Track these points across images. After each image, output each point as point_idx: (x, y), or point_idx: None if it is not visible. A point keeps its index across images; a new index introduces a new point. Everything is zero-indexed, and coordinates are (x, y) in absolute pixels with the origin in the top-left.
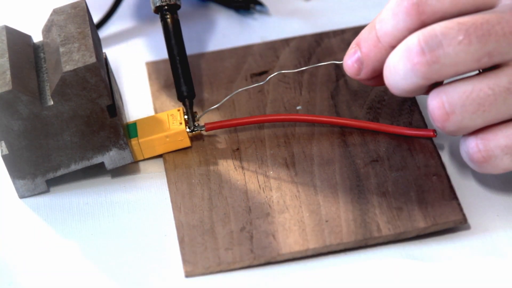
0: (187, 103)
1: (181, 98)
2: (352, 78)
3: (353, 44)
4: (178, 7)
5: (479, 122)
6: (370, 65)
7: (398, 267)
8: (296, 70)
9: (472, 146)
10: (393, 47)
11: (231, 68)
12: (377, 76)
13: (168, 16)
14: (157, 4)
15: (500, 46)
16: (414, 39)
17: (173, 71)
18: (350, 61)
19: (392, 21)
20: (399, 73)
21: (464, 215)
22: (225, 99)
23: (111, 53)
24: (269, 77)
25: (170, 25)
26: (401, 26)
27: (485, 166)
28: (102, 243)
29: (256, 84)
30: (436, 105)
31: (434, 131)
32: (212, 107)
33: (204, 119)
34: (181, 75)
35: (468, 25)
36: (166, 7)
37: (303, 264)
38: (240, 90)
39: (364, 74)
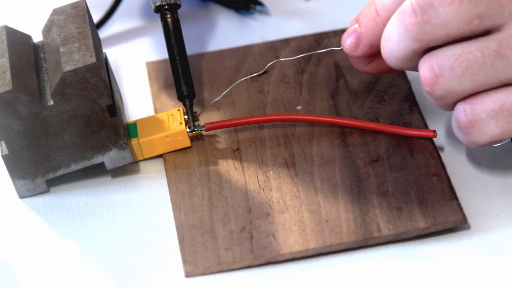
0: (187, 103)
1: (181, 98)
2: (349, 54)
3: (353, 21)
4: (178, 6)
5: (467, 86)
6: (368, 39)
7: (398, 267)
8: (296, 57)
9: (459, 111)
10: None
11: (231, 68)
12: (373, 55)
13: (168, 16)
14: (157, 4)
15: (490, 9)
16: (407, 2)
17: (173, 71)
18: (348, 37)
19: None
20: (393, 39)
21: (464, 215)
22: (227, 90)
23: (111, 53)
24: (268, 65)
25: (170, 25)
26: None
27: (472, 132)
28: (102, 243)
29: (256, 74)
30: (426, 68)
31: (434, 131)
32: (213, 101)
33: (204, 119)
34: (181, 75)
35: None
36: (166, 7)
37: (303, 264)
38: (242, 79)
39: (361, 50)
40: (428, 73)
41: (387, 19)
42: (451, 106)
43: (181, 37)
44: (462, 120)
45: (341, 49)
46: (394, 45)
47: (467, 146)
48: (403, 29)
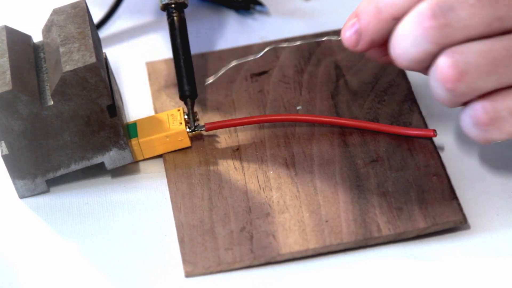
0: (189, 103)
1: (183, 97)
2: (350, 49)
3: (351, 16)
4: (185, 6)
5: (491, 84)
6: (369, 36)
7: (398, 267)
8: (300, 43)
9: (478, 108)
10: (395, 18)
11: (231, 68)
12: (376, 47)
13: (175, 15)
14: (165, 2)
15: (511, 11)
16: (425, 4)
17: (177, 70)
18: (348, 33)
19: None
20: (409, 40)
21: (464, 215)
22: (223, 70)
23: (111, 53)
24: (264, 51)
25: (177, 24)
26: None
27: (490, 129)
28: (102, 243)
29: (253, 58)
30: (449, 64)
31: (434, 131)
32: (213, 78)
33: (204, 119)
34: (185, 75)
35: None
36: (173, 5)
37: (303, 264)
38: (237, 62)
39: (362, 45)
40: (452, 69)
41: (392, 17)
42: (460, 103)
43: (187, 36)
44: (482, 117)
45: (340, 44)
46: (409, 47)
47: (479, 143)
48: (421, 32)
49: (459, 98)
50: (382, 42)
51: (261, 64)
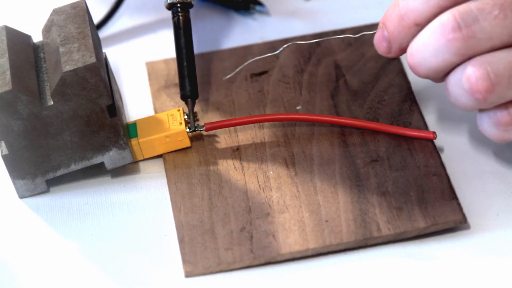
0: (190, 103)
1: (184, 97)
2: (384, 56)
3: (380, 23)
4: (191, 5)
5: None
6: (397, 43)
7: (398, 267)
8: (313, 41)
9: (502, 110)
10: (417, 24)
11: (231, 68)
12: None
13: (180, 14)
14: (170, 1)
15: None
16: (448, 16)
17: (179, 70)
18: (379, 41)
19: None
20: (430, 50)
21: (464, 215)
22: (240, 67)
23: (111, 53)
24: (283, 47)
25: (182, 24)
26: (433, 3)
27: (510, 129)
28: (102, 243)
29: (270, 54)
30: (480, 76)
31: (434, 133)
32: (229, 75)
33: (204, 119)
34: (187, 75)
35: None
36: (179, 5)
37: (303, 264)
38: (255, 58)
39: (394, 52)
40: (484, 81)
41: (414, 23)
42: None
43: (191, 37)
44: (504, 118)
45: (340, 44)
46: (429, 56)
47: (495, 141)
48: (443, 43)
49: (487, 106)
50: None
51: (261, 64)
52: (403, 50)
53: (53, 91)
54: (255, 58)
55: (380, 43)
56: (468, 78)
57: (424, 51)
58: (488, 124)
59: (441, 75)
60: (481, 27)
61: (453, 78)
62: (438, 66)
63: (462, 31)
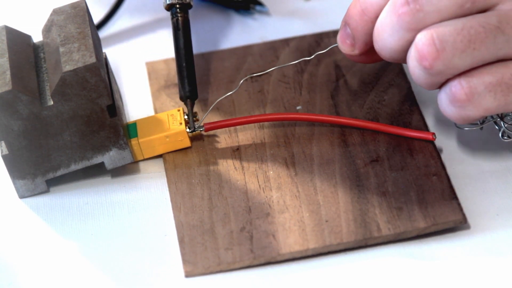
0: (189, 104)
1: (183, 98)
2: (347, 55)
3: (342, 22)
4: (190, 6)
5: (468, 62)
6: (361, 38)
7: (398, 267)
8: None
9: (454, 84)
10: (378, 17)
11: (231, 68)
12: (371, 50)
13: (179, 15)
14: (169, 2)
15: None
16: None
17: (178, 70)
18: (342, 38)
19: None
20: (387, 30)
21: (464, 215)
22: (268, 69)
23: (111, 53)
24: (316, 53)
25: (181, 25)
26: None
27: (467, 106)
28: (102, 243)
29: (305, 58)
30: (425, 42)
31: (433, 134)
32: (229, 93)
33: (204, 119)
34: (186, 76)
35: None
36: (178, 6)
37: (303, 264)
38: (287, 64)
39: (358, 48)
40: (429, 47)
41: (375, 16)
42: (438, 84)
43: (190, 37)
44: (458, 94)
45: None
46: (388, 37)
47: (456, 122)
48: (396, 19)
49: (436, 77)
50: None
51: (261, 64)
52: (367, 45)
53: (53, 91)
54: (287, 64)
55: (344, 41)
56: (416, 46)
57: (383, 33)
58: (446, 103)
59: (404, 56)
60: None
61: (409, 52)
62: (397, 45)
63: (410, 5)
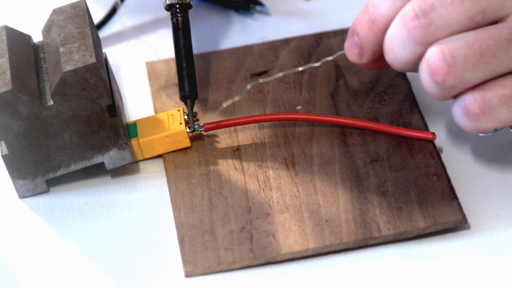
0: (189, 104)
1: (183, 98)
2: (355, 63)
3: (350, 31)
4: (190, 6)
5: (480, 76)
6: (369, 48)
7: (398, 267)
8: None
9: (468, 98)
10: (387, 28)
11: (231, 68)
12: (379, 58)
13: (179, 15)
14: (169, 2)
15: (492, 3)
16: (408, 7)
17: (178, 70)
18: (350, 48)
19: (388, 2)
20: (397, 43)
21: (464, 215)
22: (277, 75)
23: (111, 53)
24: (324, 59)
25: (181, 25)
26: (399, 6)
27: (481, 119)
28: (102, 243)
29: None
30: (437, 57)
31: (433, 133)
32: (237, 98)
33: (204, 119)
34: (186, 76)
35: None
36: (178, 6)
37: (303, 264)
38: (298, 69)
39: (366, 58)
40: (440, 62)
41: (385, 27)
42: (451, 97)
43: (190, 37)
44: (472, 107)
45: (340, 44)
46: (398, 50)
47: (471, 133)
48: (406, 33)
49: (449, 91)
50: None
51: (261, 64)
52: (375, 54)
53: (53, 91)
54: (325, 61)
55: (351, 49)
56: (427, 61)
57: (393, 45)
58: (460, 115)
59: (418, 68)
60: (438, 13)
61: (420, 66)
62: (408, 58)
63: (420, 20)
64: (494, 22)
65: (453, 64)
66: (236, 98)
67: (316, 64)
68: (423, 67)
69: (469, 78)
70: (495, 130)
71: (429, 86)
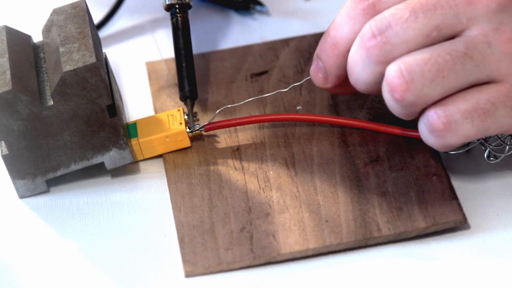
0: (189, 104)
1: (183, 98)
2: (321, 88)
3: (314, 56)
4: (189, 6)
5: (438, 91)
6: (333, 72)
7: (398, 267)
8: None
9: (431, 115)
10: (349, 51)
11: (231, 68)
12: (345, 82)
13: (179, 15)
14: (169, 2)
15: (447, 19)
16: (366, 27)
17: (178, 70)
18: (314, 72)
19: (348, 25)
20: (358, 64)
21: (464, 215)
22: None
23: (111, 53)
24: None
25: (180, 25)
26: (358, 28)
27: (446, 134)
28: (102, 243)
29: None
30: (394, 74)
31: None
32: (238, 103)
33: (204, 119)
34: (186, 76)
35: (414, 2)
36: (177, 6)
37: (303, 264)
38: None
39: (330, 82)
40: (398, 79)
41: (346, 49)
42: (416, 114)
43: (189, 37)
44: (435, 123)
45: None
46: (360, 71)
47: (438, 150)
48: (365, 53)
49: (411, 108)
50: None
51: (261, 64)
52: (340, 78)
53: (53, 91)
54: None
55: (316, 74)
56: (386, 79)
57: (355, 66)
58: (426, 133)
59: (379, 88)
60: (394, 32)
61: (382, 86)
62: (370, 78)
63: (377, 38)
64: (451, 37)
65: (410, 80)
66: (245, 101)
67: (284, 90)
68: (384, 86)
69: (428, 94)
70: (467, 147)
71: (391, 105)
